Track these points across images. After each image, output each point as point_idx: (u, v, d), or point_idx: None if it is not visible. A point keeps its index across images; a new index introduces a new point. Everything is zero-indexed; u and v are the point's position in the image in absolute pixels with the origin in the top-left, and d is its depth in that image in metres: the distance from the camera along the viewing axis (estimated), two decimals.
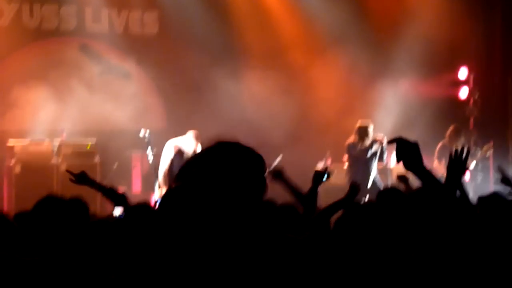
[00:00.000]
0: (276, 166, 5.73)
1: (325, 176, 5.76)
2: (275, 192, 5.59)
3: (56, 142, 12.10)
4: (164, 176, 10.95)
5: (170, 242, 2.49)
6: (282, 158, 12.98)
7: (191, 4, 14.03)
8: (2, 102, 12.80)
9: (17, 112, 12.61)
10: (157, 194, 10.90)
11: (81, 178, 5.99)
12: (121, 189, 11.35)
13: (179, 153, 11.07)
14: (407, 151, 3.05)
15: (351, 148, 11.20)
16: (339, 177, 12.38)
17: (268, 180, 5.33)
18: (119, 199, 5.46)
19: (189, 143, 11.19)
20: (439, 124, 13.10)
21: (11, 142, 11.93)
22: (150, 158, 11.13)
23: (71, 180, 6.02)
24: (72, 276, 2.98)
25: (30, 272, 3.28)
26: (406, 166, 3.06)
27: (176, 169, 10.74)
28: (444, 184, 3.11)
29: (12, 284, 2.79)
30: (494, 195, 3.82)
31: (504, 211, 3.46)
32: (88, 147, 12.21)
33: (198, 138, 11.22)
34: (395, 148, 3.10)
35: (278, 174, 5.60)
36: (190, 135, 11.35)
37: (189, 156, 10.78)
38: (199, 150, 10.90)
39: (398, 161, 3.11)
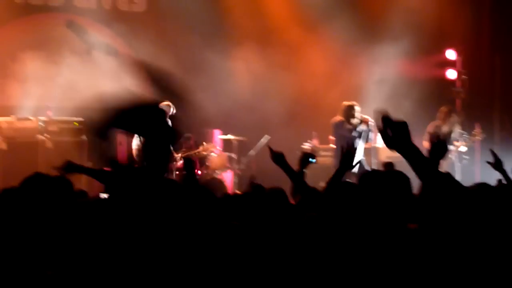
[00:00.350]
0: (277, 150, 5.68)
1: (313, 159, 5.81)
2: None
3: (43, 119, 12.05)
4: (137, 151, 10.96)
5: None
6: (268, 137, 13.04)
7: None
8: None
9: (3, 89, 12.54)
10: None
11: (69, 168, 5.91)
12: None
13: None
14: (394, 129, 2.99)
15: (336, 127, 11.21)
16: (326, 156, 12.44)
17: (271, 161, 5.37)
18: (109, 176, 5.39)
19: None
20: (426, 105, 13.14)
21: None
22: (136, 136, 11.09)
23: (61, 173, 5.90)
24: (58, 254, 2.99)
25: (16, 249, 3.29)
26: (390, 145, 3.00)
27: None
28: (427, 161, 3.06)
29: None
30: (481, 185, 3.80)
31: (491, 199, 3.45)
32: (75, 124, 12.16)
33: (169, 107, 11.20)
34: (381, 126, 3.04)
35: (280, 157, 5.58)
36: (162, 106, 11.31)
37: None
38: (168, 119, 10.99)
39: (383, 139, 3.04)
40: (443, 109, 12.34)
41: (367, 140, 11.19)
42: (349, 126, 11.08)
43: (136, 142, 10.98)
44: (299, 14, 14.52)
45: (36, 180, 3.97)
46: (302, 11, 14.47)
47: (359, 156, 11.01)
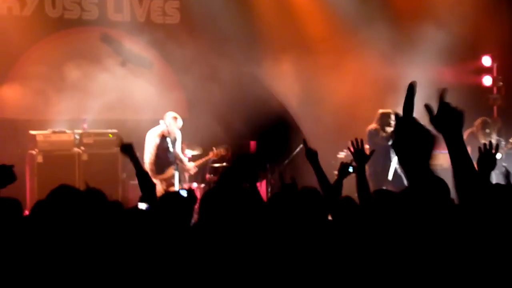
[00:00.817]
0: (311, 147, 5.69)
1: (351, 168, 5.82)
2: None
3: (78, 132, 12.15)
4: (151, 165, 10.94)
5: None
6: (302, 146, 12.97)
7: None
8: (25, 92, 12.85)
9: (39, 102, 12.66)
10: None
11: (126, 148, 5.85)
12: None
13: (163, 138, 11.10)
14: (449, 116, 2.76)
15: (372, 135, 11.11)
16: None
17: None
18: (150, 185, 5.40)
19: (170, 127, 11.19)
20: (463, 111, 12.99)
21: (33, 131, 11.99)
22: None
23: (119, 146, 5.90)
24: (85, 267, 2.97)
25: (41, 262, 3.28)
26: (440, 128, 2.77)
27: (161, 155, 10.83)
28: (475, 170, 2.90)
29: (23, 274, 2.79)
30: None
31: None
32: (110, 136, 12.25)
33: (175, 119, 11.23)
34: (437, 110, 2.81)
35: (313, 154, 5.58)
36: (168, 119, 11.33)
37: (172, 139, 10.87)
38: (177, 130, 10.98)
39: (433, 123, 2.81)
40: (479, 120, 12.22)
41: None
42: (384, 134, 10.98)
43: (148, 156, 10.98)
44: (335, 24, 14.48)
45: (62, 193, 3.98)
46: (338, 21, 14.43)
47: (394, 164, 10.91)
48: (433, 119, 2.74)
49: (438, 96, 2.75)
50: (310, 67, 13.95)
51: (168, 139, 11.06)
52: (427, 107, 2.77)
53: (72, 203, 3.85)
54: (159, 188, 10.38)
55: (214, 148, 12.20)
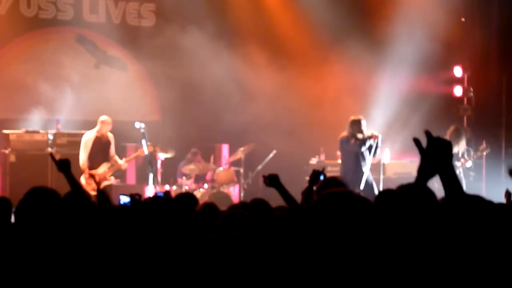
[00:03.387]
0: (271, 173, 5.69)
1: (322, 175, 5.90)
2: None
3: (51, 132, 12.13)
4: (84, 162, 11.12)
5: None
6: (275, 152, 13.08)
7: None
8: None
9: (12, 101, 12.62)
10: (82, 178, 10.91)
11: (62, 165, 5.72)
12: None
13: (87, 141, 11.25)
14: (439, 149, 2.89)
15: (344, 142, 11.20)
16: (333, 172, 12.47)
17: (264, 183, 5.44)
18: (86, 201, 5.23)
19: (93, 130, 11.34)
20: (433, 121, 13.16)
21: (6, 131, 11.93)
22: (145, 150, 11.15)
23: (56, 163, 5.80)
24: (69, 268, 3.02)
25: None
26: (430, 164, 2.89)
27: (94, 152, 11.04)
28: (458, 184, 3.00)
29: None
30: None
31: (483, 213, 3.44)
32: None
33: (100, 122, 11.35)
34: (427, 144, 2.94)
35: (274, 179, 5.58)
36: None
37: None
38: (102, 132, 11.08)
39: (424, 158, 2.93)
40: (451, 129, 12.35)
41: (374, 155, 11.20)
42: (353, 141, 11.08)
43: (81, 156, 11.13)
44: (311, 33, 14.58)
45: (34, 195, 4.00)
46: (314, 31, 14.52)
47: (366, 171, 11.02)
48: (423, 152, 2.87)
49: (426, 134, 2.88)
50: (284, 69, 14.04)
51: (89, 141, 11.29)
52: (416, 141, 2.89)
53: (47, 205, 3.87)
54: (92, 183, 10.45)
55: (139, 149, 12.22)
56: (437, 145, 2.82)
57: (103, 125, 11.34)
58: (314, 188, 5.76)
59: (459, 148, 11.59)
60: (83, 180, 10.81)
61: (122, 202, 5.51)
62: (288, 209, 5.12)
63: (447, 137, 12.09)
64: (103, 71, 13.83)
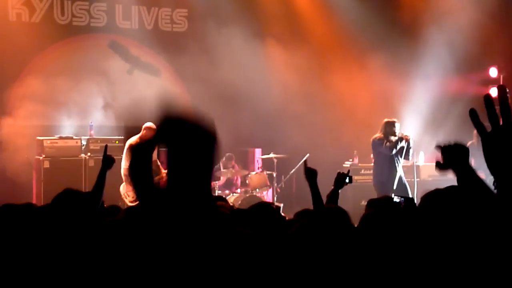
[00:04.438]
0: (311, 167, 5.55)
1: (348, 179, 5.77)
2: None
3: (85, 138, 12.21)
4: (125, 176, 10.85)
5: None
6: (308, 156, 13.02)
7: (220, 2, 14.11)
8: (32, 98, 12.92)
9: (46, 108, 12.72)
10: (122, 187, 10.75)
11: (106, 161, 5.67)
12: None
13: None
14: (457, 152, 2.91)
15: (376, 144, 11.11)
16: (366, 175, 12.38)
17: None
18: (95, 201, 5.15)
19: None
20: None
21: (40, 137, 12.04)
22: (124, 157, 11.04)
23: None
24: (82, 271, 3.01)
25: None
26: (449, 164, 2.92)
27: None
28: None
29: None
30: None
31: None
32: (116, 143, 12.28)
33: (145, 129, 11.08)
34: (445, 149, 2.97)
35: (312, 173, 5.43)
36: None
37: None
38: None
39: (444, 161, 2.96)
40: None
41: (407, 157, 11.09)
42: (388, 144, 10.99)
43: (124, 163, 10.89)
44: (345, 36, 14.52)
45: (66, 197, 4.01)
46: (348, 32, 14.47)
47: (398, 173, 10.92)
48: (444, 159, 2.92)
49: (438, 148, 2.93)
50: (319, 71, 14.03)
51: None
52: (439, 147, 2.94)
53: (77, 207, 3.88)
54: (131, 194, 10.30)
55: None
56: (451, 151, 2.84)
57: (148, 131, 11.19)
58: (339, 191, 5.67)
59: None
60: (122, 189, 10.67)
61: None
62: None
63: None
64: (136, 76, 13.89)
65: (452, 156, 2.85)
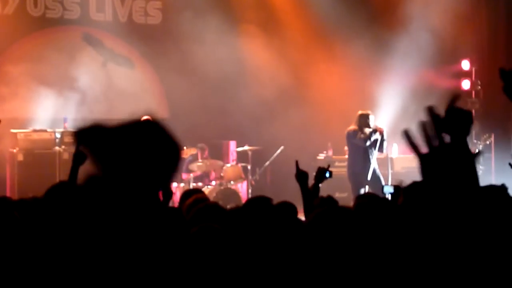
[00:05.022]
0: (302, 169, 5.64)
1: (328, 173, 5.86)
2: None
3: (59, 131, 12.16)
4: None
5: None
6: (283, 148, 13.07)
7: None
8: (5, 90, 12.84)
9: (20, 101, 12.65)
10: None
11: (79, 157, 5.64)
12: None
13: None
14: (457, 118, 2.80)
15: (350, 136, 11.20)
16: (341, 167, 12.46)
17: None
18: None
19: None
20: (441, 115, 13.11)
21: (14, 130, 11.97)
22: None
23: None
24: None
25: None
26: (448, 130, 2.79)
27: None
28: None
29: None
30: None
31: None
32: None
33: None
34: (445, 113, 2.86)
35: (303, 177, 5.51)
36: None
37: None
38: None
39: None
40: None
41: (381, 149, 11.19)
42: (362, 136, 11.08)
43: None
44: (319, 23, 14.56)
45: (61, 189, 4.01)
46: (320, 20, 14.51)
47: (372, 165, 11.02)
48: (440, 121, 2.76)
49: (449, 101, 2.78)
50: (291, 63, 14.10)
51: None
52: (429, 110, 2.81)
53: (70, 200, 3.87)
54: None
55: (184, 147, 12.05)
56: (455, 114, 2.73)
57: None
58: (320, 185, 5.73)
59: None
60: None
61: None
62: None
63: None
64: (110, 69, 13.85)
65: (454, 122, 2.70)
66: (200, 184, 12.64)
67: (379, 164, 11.29)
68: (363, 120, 11.14)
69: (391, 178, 11.91)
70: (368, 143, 11.00)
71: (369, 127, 11.08)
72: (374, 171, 11.01)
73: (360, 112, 11.29)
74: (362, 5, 14.65)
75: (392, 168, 12.51)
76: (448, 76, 14.77)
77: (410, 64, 13.93)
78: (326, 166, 5.98)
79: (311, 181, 5.60)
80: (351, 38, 14.05)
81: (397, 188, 5.58)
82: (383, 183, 10.91)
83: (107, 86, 13.45)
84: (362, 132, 11.07)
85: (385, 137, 11.09)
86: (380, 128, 11.08)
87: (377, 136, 11.02)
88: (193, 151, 12.30)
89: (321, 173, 5.82)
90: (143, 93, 13.79)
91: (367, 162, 11.03)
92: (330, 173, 5.94)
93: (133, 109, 12.80)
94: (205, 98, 13.68)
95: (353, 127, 11.17)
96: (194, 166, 12.70)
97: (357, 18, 14.21)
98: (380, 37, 14.10)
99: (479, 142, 12.29)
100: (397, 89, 13.91)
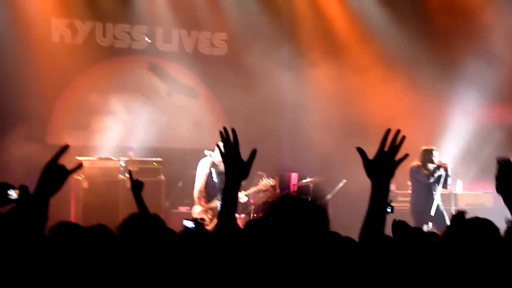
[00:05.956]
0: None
1: (389, 208, 5.78)
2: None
3: (124, 159, 12.31)
4: (200, 192, 10.92)
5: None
6: (345, 182, 12.95)
7: (259, 25, 14.21)
8: (73, 119, 13.10)
9: (86, 129, 12.86)
10: (196, 209, 10.88)
11: (136, 186, 5.97)
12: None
13: (213, 166, 11.03)
14: (384, 164, 2.94)
15: (414, 172, 11.07)
16: (403, 202, 12.31)
17: None
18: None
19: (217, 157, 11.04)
20: (507, 152, 12.86)
21: (79, 157, 12.14)
22: (215, 178, 11.14)
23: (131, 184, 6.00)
24: None
25: None
26: (372, 173, 2.96)
27: (211, 184, 10.79)
28: None
29: None
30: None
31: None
32: (154, 165, 12.39)
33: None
34: (499, 168, 2.98)
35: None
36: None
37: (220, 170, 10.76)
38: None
39: (366, 167, 2.99)
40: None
41: (445, 186, 11.02)
42: (426, 172, 10.93)
43: (197, 185, 10.94)
44: (384, 52, 14.47)
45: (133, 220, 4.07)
46: (382, 48, 14.43)
47: (436, 201, 10.85)
48: (367, 163, 2.97)
49: (385, 143, 2.97)
50: (352, 90, 14.03)
51: (213, 170, 11.02)
52: (360, 151, 2.99)
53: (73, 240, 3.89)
54: (205, 217, 10.49)
55: (264, 178, 11.94)
56: (383, 159, 2.89)
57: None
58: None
59: None
60: (194, 211, 10.76)
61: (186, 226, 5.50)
62: None
63: None
64: (175, 99, 14.01)
65: (379, 167, 2.85)
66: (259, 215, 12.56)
67: (442, 200, 11.11)
68: (427, 156, 11.01)
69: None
70: (432, 179, 10.85)
71: (433, 163, 10.93)
72: (438, 207, 10.84)
73: (423, 147, 11.16)
74: (430, 35, 14.48)
75: (456, 205, 12.29)
76: None
77: (476, 97, 13.71)
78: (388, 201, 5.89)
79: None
80: (419, 72, 13.91)
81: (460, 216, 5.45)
82: (447, 220, 10.73)
83: (171, 115, 13.61)
84: (426, 168, 10.93)
85: (449, 173, 10.92)
86: (444, 164, 10.93)
87: (441, 172, 10.86)
88: (272, 182, 12.11)
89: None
90: (207, 123, 13.88)
91: (430, 198, 10.87)
92: (392, 208, 5.88)
93: (196, 139, 12.96)
94: (268, 130, 13.66)
95: (416, 162, 11.05)
96: (256, 197, 12.63)
97: (422, 47, 14.09)
98: (448, 68, 13.92)
99: None
100: (462, 123, 13.70)
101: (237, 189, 3.23)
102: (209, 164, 10.96)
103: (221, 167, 10.93)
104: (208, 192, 10.87)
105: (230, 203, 3.16)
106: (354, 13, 14.78)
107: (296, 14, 14.60)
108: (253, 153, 3.07)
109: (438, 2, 14.75)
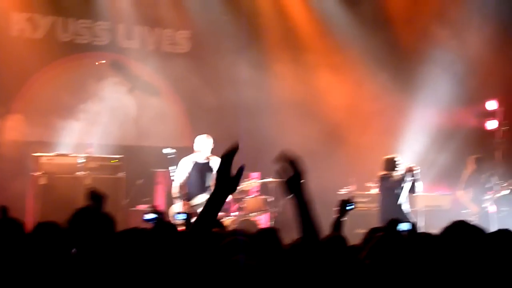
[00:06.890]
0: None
1: (351, 206, 5.81)
2: None
3: (83, 156, 12.18)
4: (180, 187, 10.86)
5: None
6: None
7: (222, 23, 14.18)
8: (32, 114, 12.94)
9: (45, 124, 12.72)
10: (175, 207, 10.82)
11: (94, 197, 5.83)
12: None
13: (195, 165, 11.02)
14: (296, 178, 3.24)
15: (384, 180, 11.05)
16: (364, 203, 12.37)
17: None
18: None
19: (202, 154, 11.08)
20: (466, 154, 13.01)
21: (36, 154, 11.99)
22: (173, 175, 11.10)
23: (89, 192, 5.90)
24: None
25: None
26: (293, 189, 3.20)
27: (193, 182, 10.76)
28: None
29: None
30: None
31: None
32: (113, 162, 12.27)
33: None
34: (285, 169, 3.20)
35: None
36: (204, 142, 11.21)
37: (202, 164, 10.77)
38: (210, 155, 10.91)
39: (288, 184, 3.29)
40: (471, 157, 12.27)
41: (412, 190, 11.02)
42: (394, 179, 10.94)
43: (176, 183, 10.92)
44: (346, 55, 14.55)
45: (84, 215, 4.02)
46: (348, 51, 14.52)
47: (405, 207, 10.88)
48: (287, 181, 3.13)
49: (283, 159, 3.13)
50: (310, 89, 14.09)
51: (195, 168, 10.97)
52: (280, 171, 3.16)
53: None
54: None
55: (250, 179, 12.04)
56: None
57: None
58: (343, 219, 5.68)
59: (487, 179, 11.54)
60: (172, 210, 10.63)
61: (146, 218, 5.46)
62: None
63: (469, 167, 11.99)
64: (136, 96, 13.92)
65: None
66: (221, 213, 12.58)
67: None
68: (390, 165, 11.02)
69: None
70: (403, 184, 10.85)
71: (397, 170, 10.94)
72: (406, 214, 10.88)
73: (385, 157, 11.19)
74: (389, 37, 14.59)
75: (414, 206, 12.37)
76: (474, 116, 14.64)
77: (435, 102, 13.84)
78: (348, 199, 5.94)
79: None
80: (377, 77, 14.02)
81: (413, 225, 5.51)
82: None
83: (132, 113, 13.52)
84: (391, 176, 10.94)
85: (418, 177, 10.92)
86: (411, 167, 10.93)
87: (410, 176, 10.86)
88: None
89: (344, 205, 5.77)
90: (168, 120, 13.82)
91: (399, 204, 10.89)
92: (352, 203, 5.89)
93: (157, 137, 12.88)
94: (227, 127, 13.64)
95: (383, 172, 11.04)
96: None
97: (383, 50, 14.20)
98: (407, 76, 14.05)
99: (504, 182, 12.15)
100: (421, 126, 13.81)
101: (223, 203, 3.22)
102: (191, 163, 10.93)
103: (204, 165, 10.90)
104: (190, 191, 10.83)
105: (210, 215, 3.14)
106: (316, 12, 14.85)
107: (259, 13, 14.63)
108: (241, 169, 3.06)
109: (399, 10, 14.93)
